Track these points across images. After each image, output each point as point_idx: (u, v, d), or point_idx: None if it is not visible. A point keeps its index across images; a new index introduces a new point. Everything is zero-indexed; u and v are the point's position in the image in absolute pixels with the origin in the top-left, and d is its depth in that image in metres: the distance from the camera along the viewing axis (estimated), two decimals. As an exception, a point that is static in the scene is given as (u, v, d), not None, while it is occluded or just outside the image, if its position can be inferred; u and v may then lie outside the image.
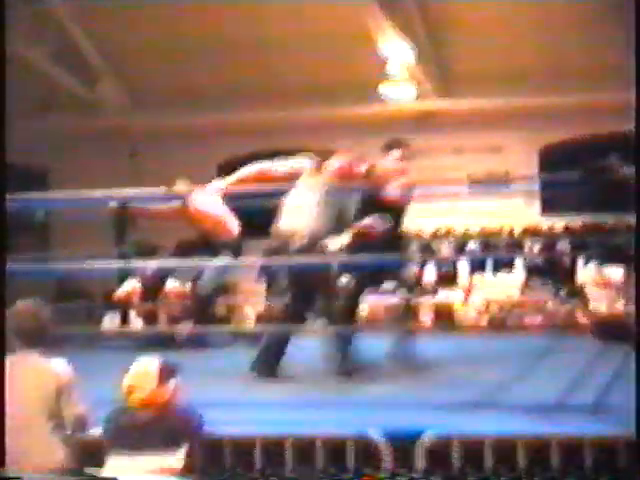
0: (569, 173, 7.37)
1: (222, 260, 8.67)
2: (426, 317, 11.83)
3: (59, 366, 4.42)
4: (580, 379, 6.53)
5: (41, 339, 4.49)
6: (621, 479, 4.50)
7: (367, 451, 4.59)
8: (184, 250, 9.20)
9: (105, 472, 4.21)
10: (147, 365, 4.31)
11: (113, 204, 8.88)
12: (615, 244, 10.95)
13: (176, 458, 4.20)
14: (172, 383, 4.29)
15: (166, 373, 4.29)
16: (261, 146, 15.44)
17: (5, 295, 4.73)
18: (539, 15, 13.52)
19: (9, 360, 4.46)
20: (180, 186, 8.34)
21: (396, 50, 13.62)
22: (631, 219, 14.32)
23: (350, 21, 13.17)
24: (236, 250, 8.82)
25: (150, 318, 9.83)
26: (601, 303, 10.51)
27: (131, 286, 10.00)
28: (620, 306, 10.38)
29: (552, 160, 15.35)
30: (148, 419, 4.22)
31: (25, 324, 4.50)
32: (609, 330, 8.74)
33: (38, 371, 4.39)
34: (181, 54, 14.54)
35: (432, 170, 15.27)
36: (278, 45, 14.28)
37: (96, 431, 4.46)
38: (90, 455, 4.45)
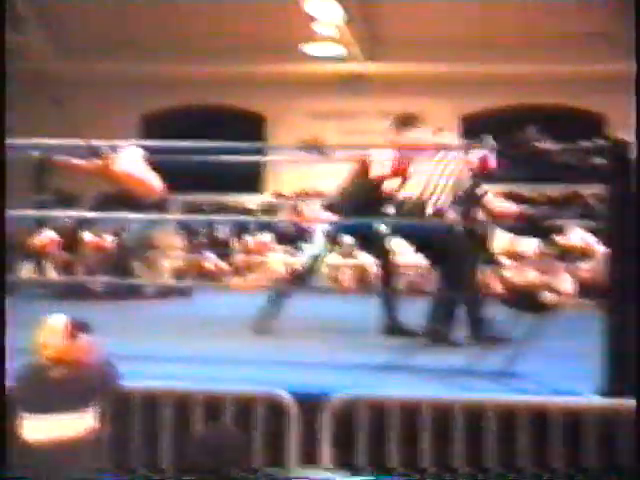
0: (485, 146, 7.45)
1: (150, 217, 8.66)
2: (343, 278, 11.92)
3: None
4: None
5: None
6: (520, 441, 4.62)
7: (275, 409, 4.64)
8: (105, 203, 9.14)
9: (21, 432, 4.20)
10: (55, 321, 4.29)
11: (34, 153, 8.76)
12: (530, 216, 11.11)
13: (90, 416, 4.22)
14: (83, 339, 4.28)
15: (76, 329, 4.26)
16: (184, 101, 15.37)
17: None
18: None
19: None
20: (102, 143, 8.26)
21: (325, 10, 13.60)
22: (550, 191, 14.54)
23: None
24: (160, 208, 8.80)
25: (67, 269, 9.78)
26: (513, 272, 10.69)
27: (48, 236, 9.91)
28: (531, 277, 10.56)
29: (474, 128, 15.49)
30: (61, 376, 4.21)
31: None
32: (518, 299, 8.91)
33: None
34: (109, 4, 14.36)
35: (356, 133, 15.45)
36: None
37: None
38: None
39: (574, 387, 5.01)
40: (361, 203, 7.42)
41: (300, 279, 7.81)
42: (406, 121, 7.66)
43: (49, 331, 4.26)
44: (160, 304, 9.08)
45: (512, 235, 12.09)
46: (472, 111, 15.82)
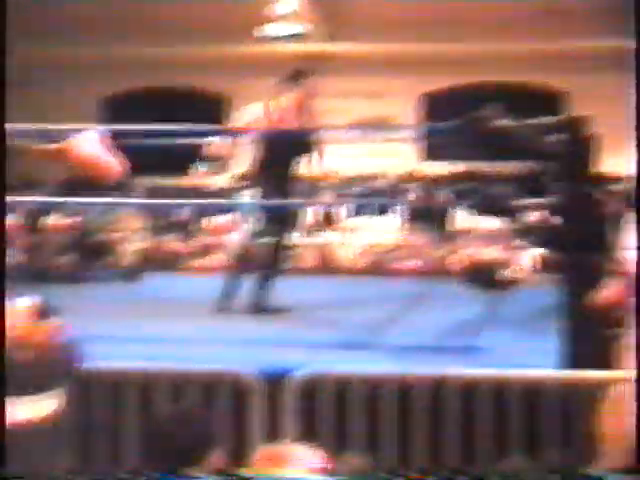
0: (447, 122, 7.49)
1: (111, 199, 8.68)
2: (307, 258, 11.94)
3: None
4: (451, 322, 6.75)
5: None
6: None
7: (238, 388, 4.69)
8: (68, 186, 9.12)
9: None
10: (21, 304, 4.29)
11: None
12: (490, 193, 11.20)
13: (55, 398, 4.24)
14: (49, 322, 4.30)
15: (42, 312, 4.27)
16: (146, 83, 15.30)
17: None
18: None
19: None
20: (60, 127, 8.24)
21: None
22: (508, 167, 14.59)
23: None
24: (122, 190, 8.81)
25: (31, 251, 9.75)
26: (471, 250, 10.78)
27: (11, 220, 9.85)
28: (491, 253, 10.65)
29: (434, 107, 15.61)
30: (27, 359, 4.23)
31: None
32: (478, 276, 9.02)
33: None
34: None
35: (318, 113, 15.40)
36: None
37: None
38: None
39: (534, 361, 5.10)
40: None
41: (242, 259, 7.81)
42: (296, 75, 7.72)
43: (14, 314, 4.26)
44: (122, 286, 9.08)
45: (471, 213, 12.19)
46: (431, 89, 15.89)
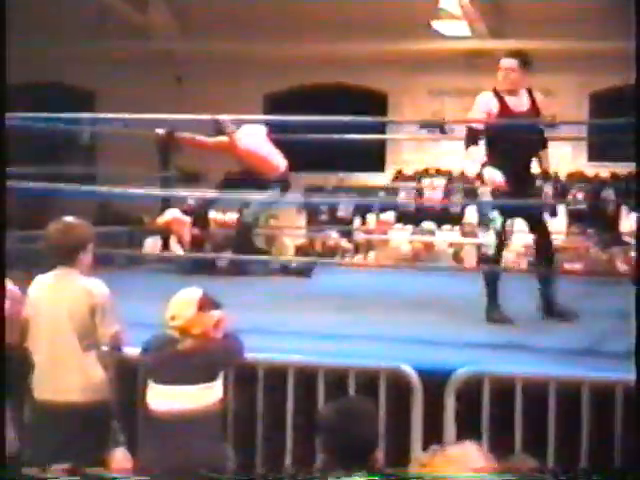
0: (615, 120, 7.25)
1: (273, 195, 8.75)
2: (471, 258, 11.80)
3: (94, 285, 4.40)
4: (618, 325, 6.54)
5: (74, 256, 4.41)
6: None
7: (399, 386, 4.63)
8: (230, 182, 9.24)
9: (148, 400, 4.30)
10: (189, 294, 4.37)
11: (160, 130, 8.91)
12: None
13: (216, 388, 4.29)
14: (214, 314, 4.34)
15: (207, 304, 4.34)
16: (307, 80, 15.41)
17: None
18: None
19: (46, 276, 4.49)
20: (227, 122, 8.36)
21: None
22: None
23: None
24: (283, 186, 8.88)
25: (193, 245, 9.91)
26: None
27: (172, 215, 10.03)
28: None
29: (601, 106, 15.20)
30: (189, 348, 4.28)
31: (61, 240, 4.42)
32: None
33: (73, 289, 4.38)
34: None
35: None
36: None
37: (133, 351, 4.54)
38: (125, 378, 4.53)
39: None
40: None
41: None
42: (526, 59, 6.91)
43: (181, 302, 4.34)
44: (283, 280, 9.12)
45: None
46: (599, 88, 15.50)
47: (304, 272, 9.37)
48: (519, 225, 9.17)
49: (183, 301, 4.33)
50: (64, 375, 4.32)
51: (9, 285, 4.35)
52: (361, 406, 3.60)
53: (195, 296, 4.35)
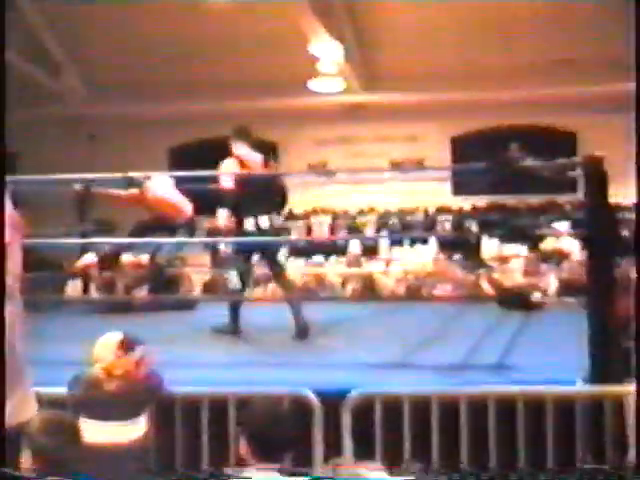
0: (475, 164, 7.44)
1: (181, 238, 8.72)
2: (351, 286, 11.84)
3: None
4: (484, 341, 6.64)
5: None
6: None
7: (300, 409, 4.61)
8: (141, 229, 9.12)
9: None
10: (108, 339, 4.27)
11: (77, 186, 8.83)
12: (515, 223, 11.12)
13: (142, 423, 4.20)
14: (135, 355, 4.25)
15: (127, 345, 4.24)
16: (206, 134, 15.37)
17: None
18: (457, 17, 13.60)
19: None
20: (136, 175, 8.28)
21: (326, 48, 13.64)
22: (530, 200, 14.46)
23: (286, 22, 13.11)
24: (190, 229, 8.86)
25: (107, 286, 9.78)
26: (502, 275, 10.67)
27: (89, 259, 9.86)
28: (519, 278, 10.55)
29: (460, 147, 15.53)
30: (113, 388, 4.19)
31: None
32: (509, 299, 8.89)
33: None
34: (135, 50, 14.40)
35: (358, 157, 15.50)
36: (223, 43, 14.21)
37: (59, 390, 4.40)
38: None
39: (563, 376, 4.99)
40: None
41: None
42: (240, 133, 7.44)
43: (103, 346, 4.24)
44: (189, 315, 9.00)
45: (499, 242, 12.12)
46: (460, 132, 15.83)
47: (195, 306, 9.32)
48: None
49: (103, 346, 4.24)
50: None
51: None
52: (280, 409, 3.55)
53: (114, 340, 4.25)
